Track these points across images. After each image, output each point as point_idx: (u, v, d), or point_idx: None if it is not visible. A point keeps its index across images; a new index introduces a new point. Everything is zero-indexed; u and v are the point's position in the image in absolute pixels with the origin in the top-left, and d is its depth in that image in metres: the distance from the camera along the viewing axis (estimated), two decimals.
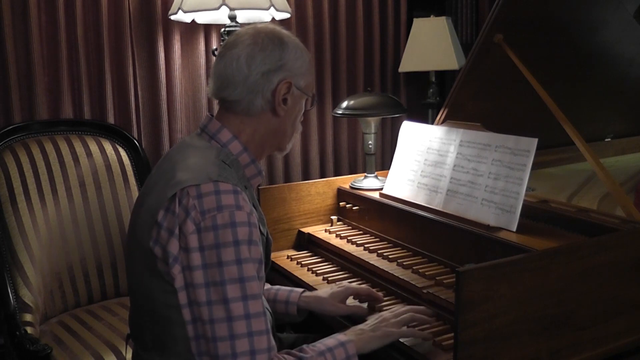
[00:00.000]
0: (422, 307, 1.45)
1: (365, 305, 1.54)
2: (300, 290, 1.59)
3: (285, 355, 1.22)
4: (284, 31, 1.38)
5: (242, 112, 1.35)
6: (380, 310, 1.49)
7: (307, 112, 1.51)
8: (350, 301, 1.57)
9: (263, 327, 1.17)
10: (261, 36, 1.34)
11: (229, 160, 1.31)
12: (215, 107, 1.42)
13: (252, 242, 1.19)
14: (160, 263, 1.20)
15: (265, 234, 1.38)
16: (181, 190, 1.19)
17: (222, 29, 2.49)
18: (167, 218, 1.19)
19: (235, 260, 1.16)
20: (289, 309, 1.56)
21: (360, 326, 1.37)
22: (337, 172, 3.24)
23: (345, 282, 1.63)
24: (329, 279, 1.76)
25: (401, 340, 1.37)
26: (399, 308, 1.45)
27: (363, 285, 1.61)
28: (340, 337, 1.30)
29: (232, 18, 2.45)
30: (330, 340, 1.28)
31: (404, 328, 1.36)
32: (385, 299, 1.59)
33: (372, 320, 1.39)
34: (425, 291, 1.50)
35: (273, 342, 1.19)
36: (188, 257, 1.16)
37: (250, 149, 1.37)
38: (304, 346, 1.26)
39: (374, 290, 1.58)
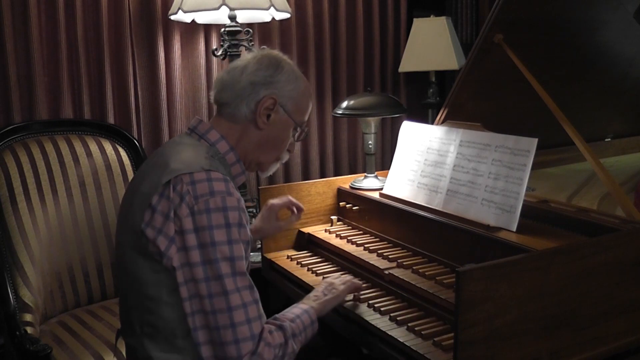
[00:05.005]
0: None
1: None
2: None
3: (271, 326, 1.34)
4: (288, 59, 1.49)
5: (229, 116, 1.45)
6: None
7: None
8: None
9: (251, 298, 1.29)
10: (264, 54, 1.48)
11: (217, 157, 1.41)
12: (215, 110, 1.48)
13: (241, 225, 1.30)
14: (151, 245, 1.27)
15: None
16: (175, 178, 1.28)
17: (222, 29, 2.49)
18: (162, 202, 1.28)
19: (227, 240, 1.27)
20: None
21: (314, 293, 1.54)
22: (337, 172, 3.23)
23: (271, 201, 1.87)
24: None
25: (400, 340, 1.39)
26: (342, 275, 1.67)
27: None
28: (302, 305, 1.47)
29: (232, 18, 2.45)
30: (295, 310, 1.44)
31: (349, 283, 1.59)
32: (388, 298, 1.61)
33: (321, 287, 1.57)
34: (431, 291, 1.51)
35: (262, 310, 1.32)
36: (183, 238, 1.26)
37: (237, 150, 1.46)
38: (277, 315, 1.40)
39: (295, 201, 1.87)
